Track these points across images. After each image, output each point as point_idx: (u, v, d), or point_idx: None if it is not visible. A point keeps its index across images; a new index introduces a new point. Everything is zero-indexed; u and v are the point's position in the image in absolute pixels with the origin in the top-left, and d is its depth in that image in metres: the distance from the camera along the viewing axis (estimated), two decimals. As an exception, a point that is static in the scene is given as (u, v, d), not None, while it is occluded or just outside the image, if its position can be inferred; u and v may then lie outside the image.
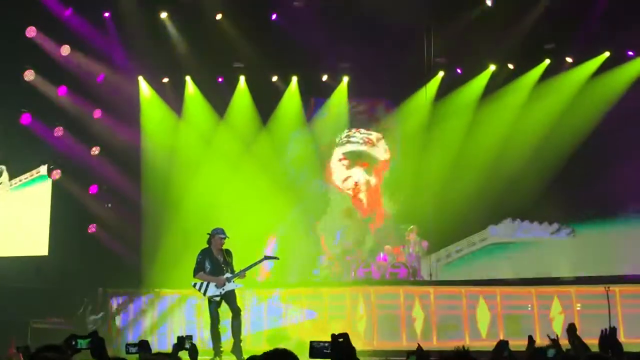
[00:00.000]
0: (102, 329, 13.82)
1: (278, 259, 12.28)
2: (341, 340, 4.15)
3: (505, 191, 16.24)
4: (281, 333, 13.92)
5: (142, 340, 5.64)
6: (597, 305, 13.28)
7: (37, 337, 12.89)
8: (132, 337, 14.32)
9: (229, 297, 11.12)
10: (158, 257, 15.90)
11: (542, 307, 13.83)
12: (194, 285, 11.25)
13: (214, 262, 11.18)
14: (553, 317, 13.76)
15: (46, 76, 15.33)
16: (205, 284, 11.12)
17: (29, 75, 15.05)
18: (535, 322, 13.77)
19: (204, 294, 11.14)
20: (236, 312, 11.11)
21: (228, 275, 11.08)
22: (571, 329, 6.26)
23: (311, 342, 4.18)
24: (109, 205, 16.74)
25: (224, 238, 11.24)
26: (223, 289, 11.02)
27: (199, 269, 11.20)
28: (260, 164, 16.97)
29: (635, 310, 13.49)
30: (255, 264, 11.32)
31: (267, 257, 11.32)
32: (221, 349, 11.01)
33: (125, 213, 16.66)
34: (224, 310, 11.18)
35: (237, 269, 11.15)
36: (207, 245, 11.29)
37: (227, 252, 11.31)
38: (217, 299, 11.08)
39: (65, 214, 15.75)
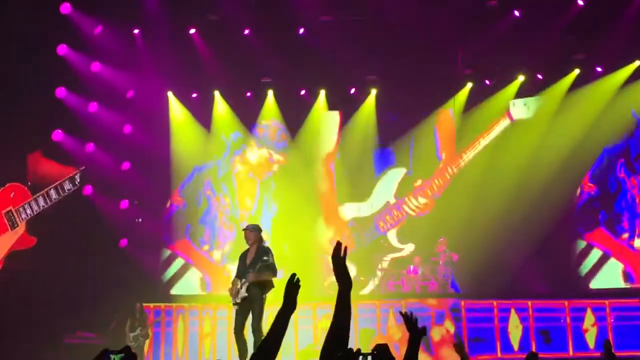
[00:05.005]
0: (143, 345, 13.89)
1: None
2: (375, 352, 4.24)
3: (536, 201, 16.12)
4: (311, 348, 13.90)
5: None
6: (631, 318, 13.14)
7: (70, 352, 12.98)
8: (163, 352, 14.40)
9: (248, 307, 10.31)
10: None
11: (575, 320, 13.69)
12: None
13: (240, 265, 10.62)
14: (586, 329, 13.61)
15: (77, 93, 15.48)
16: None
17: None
18: (568, 335, 13.64)
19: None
20: (253, 330, 10.18)
21: (244, 280, 10.41)
22: (607, 346, 6.24)
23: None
24: (140, 220, 16.85)
25: (244, 231, 10.73)
26: (238, 298, 10.38)
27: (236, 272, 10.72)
28: (289, 177, 17.00)
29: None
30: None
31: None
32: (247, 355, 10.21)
33: (156, 227, 16.80)
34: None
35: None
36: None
37: (261, 251, 10.48)
38: (236, 307, 10.42)
39: (97, 229, 15.85)
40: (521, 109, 16.85)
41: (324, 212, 17.41)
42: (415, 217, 17.38)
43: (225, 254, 16.74)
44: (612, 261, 15.90)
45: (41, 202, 13.60)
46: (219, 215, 17.06)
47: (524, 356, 7.38)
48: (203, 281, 16.69)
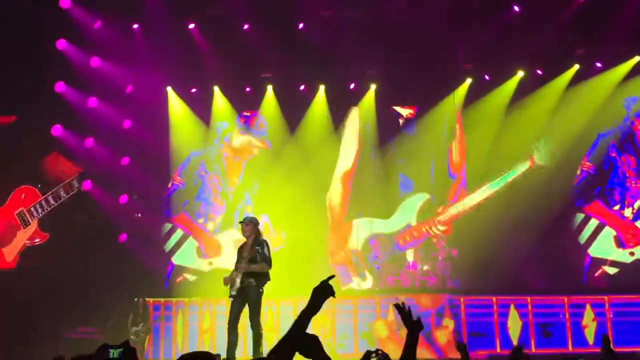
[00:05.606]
0: (144, 339, 13.91)
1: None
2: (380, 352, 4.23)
3: (535, 197, 16.12)
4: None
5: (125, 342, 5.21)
6: (630, 313, 13.15)
7: (70, 347, 12.99)
8: (162, 346, 14.42)
9: (243, 301, 10.29)
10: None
11: (574, 315, 13.71)
12: None
13: (238, 258, 10.54)
14: (585, 325, 13.63)
15: (76, 88, 15.46)
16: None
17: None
18: (568, 331, 13.65)
19: None
20: (252, 325, 10.21)
21: (237, 271, 10.35)
22: (606, 341, 6.25)
23: None
24: (139, 215, 16.88)
25: (241, 224, 10.70)
26: (233, 290, 10.28)
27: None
28: (289, 173, 16.98)
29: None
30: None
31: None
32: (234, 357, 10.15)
33: (155, 222, 16.82)
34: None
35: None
36: None
37: (257, 244, 10.40)
38: (232, 299, 10.34)
39: (96, 224, 15.85)
40: (545, 156, 17.00)
41: (330, 213, 17.45)
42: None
43: (217, 225, 17.40)
44: (607, 229, 16.98)
45: (51, 200, 14.63)
46: (213, 192, 17.55)
47: (523, 351, 7.40)
48: (199, 249, 17.26)
